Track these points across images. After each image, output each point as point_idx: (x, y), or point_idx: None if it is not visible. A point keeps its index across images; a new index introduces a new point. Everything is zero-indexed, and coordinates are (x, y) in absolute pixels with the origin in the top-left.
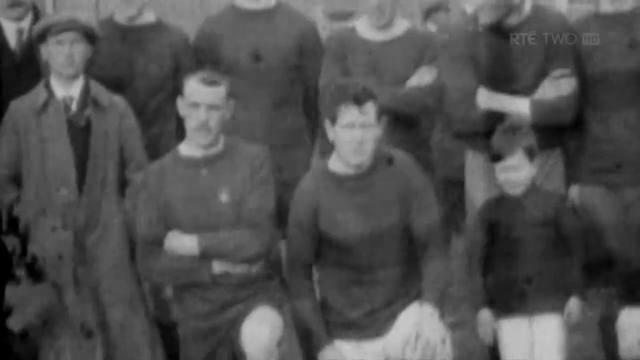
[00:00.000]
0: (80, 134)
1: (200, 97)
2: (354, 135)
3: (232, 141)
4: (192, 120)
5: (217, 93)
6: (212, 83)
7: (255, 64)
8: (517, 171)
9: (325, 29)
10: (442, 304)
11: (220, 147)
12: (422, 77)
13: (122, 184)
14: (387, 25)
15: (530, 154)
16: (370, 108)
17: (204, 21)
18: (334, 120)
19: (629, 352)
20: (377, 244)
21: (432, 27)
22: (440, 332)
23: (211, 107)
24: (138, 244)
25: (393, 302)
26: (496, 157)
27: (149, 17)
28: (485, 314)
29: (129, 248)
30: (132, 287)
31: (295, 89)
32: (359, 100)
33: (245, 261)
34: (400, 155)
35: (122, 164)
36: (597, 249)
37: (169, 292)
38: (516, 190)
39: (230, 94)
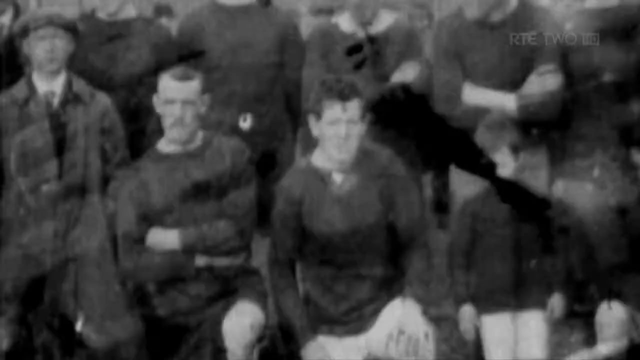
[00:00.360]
0: (62, 130)
1: (174, 93)
2: (338, 131)
3: (210, 136)
4: (168, 116)
5: (190, 88)
6: (184, 78)
7: (236, 60)
8: (502, 167)
9: (309, 25)
10: (425, 299)
11: (198, 142)
12: (406, 73)
13: (105, 181)
14: (370, 20)
15: (515, 150)
16: (355, 104)
17: (185, 16)
18: (319, 116)
19: (606, 347)
20: (360, 239)
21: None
22: (423, 327)
23: (185, 102)
24: (119, 242)
25: (376, 297)
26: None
27: (130, 12)
28: (467, 310)
29: (111, 245)
30: (114, 285)
31: (276, 85)
32: (344, 97)
33: (227, 254)
34: (383, 151)
35: (105, 160)
36: (581, 245)
37: (152, 288)
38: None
39: (210, 90)
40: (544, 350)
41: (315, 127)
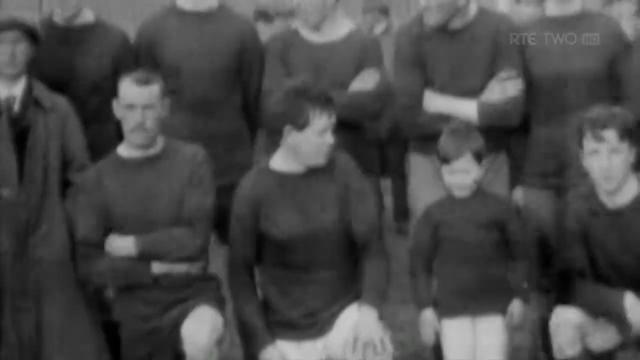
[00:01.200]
0: (23, 134)
1: (135, 98)
2: (327, 139)
3: (171, 142)
4: (129, 121)
5: (151, 92)
6: (145, 82)
7: (194, 65)
8: (465, 174)
9: (264, 33)
10: (381, 304)
11: (158, 148)
12: (365, 81)
13: (64, 185)
14: (316, 26)
15: (478, 157)
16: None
17: (145, 21)
18: (303, 127)
19: (561, 352)
20: (317, 243)
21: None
22: (379, 333)
23: (146, 107)
24: (77, 247)
25: (333, 302)
26: (444, 160)
27: (87, 17)
28: (428, 315)
29: (71, 249)
30: (75, 289)
31: (234, 91)
32: (329, 105)
33: (183, 260)
34: (341, 157)
35: (64, 165)
36: (540, 251)
37: (110, 293)
38: (463, 193)
39: (167, 94)
40: (503, 355)
41: (295, 136)
